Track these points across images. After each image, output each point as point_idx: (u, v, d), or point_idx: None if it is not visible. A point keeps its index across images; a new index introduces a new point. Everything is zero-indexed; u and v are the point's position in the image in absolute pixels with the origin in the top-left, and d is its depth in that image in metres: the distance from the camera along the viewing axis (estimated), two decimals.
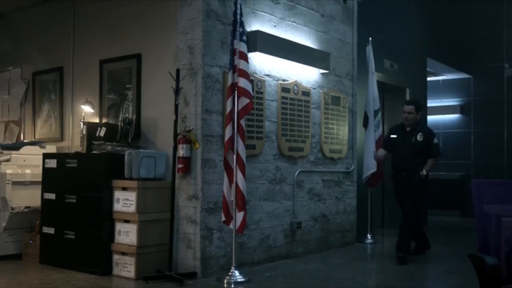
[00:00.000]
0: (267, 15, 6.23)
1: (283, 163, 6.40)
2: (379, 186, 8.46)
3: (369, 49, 7.88)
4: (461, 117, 12.48)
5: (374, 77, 7.92)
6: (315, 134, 6.94)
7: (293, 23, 6.63)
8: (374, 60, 7.91)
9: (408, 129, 6.54)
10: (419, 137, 6.41)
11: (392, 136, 6.73)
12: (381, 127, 8.03)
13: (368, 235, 7.91)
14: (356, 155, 7.71)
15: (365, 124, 7.90)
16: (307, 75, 6.84)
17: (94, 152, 5.75)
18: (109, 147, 5.66)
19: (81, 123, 6.17)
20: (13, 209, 6.20)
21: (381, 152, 6.92)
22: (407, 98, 9.75)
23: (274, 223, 6.23)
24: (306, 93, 6.78)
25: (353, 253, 7.03)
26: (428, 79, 11.31)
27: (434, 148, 6.44)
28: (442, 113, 12.49)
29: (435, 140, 6.48)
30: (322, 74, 7.08)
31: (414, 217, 6.48)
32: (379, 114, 7.96)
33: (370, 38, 7.84)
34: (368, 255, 7.12)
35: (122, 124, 5.84)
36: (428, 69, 11.03)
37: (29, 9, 7.52)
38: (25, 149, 6.51)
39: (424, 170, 6.31)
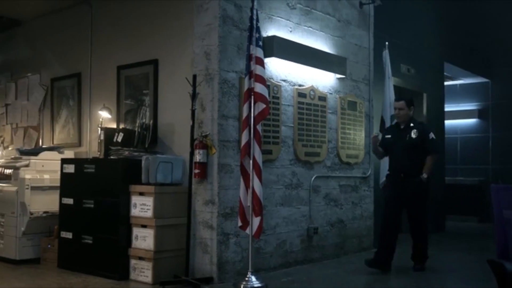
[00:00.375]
0: (283, 20, 6.24)
1: (300, 168, 6.39)
2: None
3: (386, 54, 7.84)
4: (479, 122, 12.37)
5: (390, 82, 7.87)
6: (332, 139, 6.93)
7: (309, 28, 6.63)
8: (390, 65, 7.86)
9: (402, 127, 6.17)
10: (413, 134, 6.02)
11: (386, 136, 6.34)
12: None
13: None
14: (372, 160, 7.67)
15: (382, 129, 7.85)
16: (323, 80, 6.83)
17: (111, 157, 5.79)
18: (126, 153, 5.70)
19: (99, 129, 6.22)
20: (32, 213, 6.26)
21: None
22: (425, 103, 9.72)
23: (291, 228, 6.22)
24: (323, 98, 6.77)
25: None
26: (446, 83, 11.23)
27: (431, 144, 6.03)
28: (460, 118, 12.39)
29: (431, 135, 6.06)
30: (339, 79, 7.07)
31: (425, 221, 6.20)
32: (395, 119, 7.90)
33: (387, 43, 7.80)
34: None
35: (139, 130, 5.87)
36: (445, 73, 10.95)
37: (48, 16, 7.61)
38: (43, 155, 6.58)
39: (424, 173, 5.93)
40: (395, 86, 8.16)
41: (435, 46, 10.23)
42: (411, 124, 6.10)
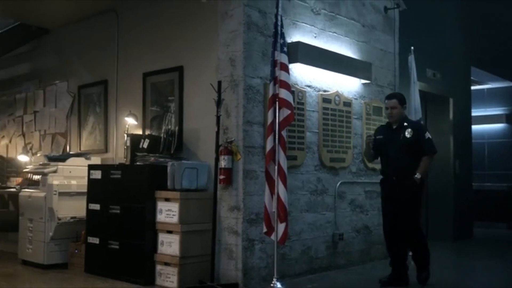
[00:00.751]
0: (308, 26, 6.23)
1: (325, 174, 6.36)
2: (422, 196, 8.30)
3: (411, 59, 7.76)
4: (506, 127, 12.19)
5: (416, 87, 7.79)
6: (357, 145, 6.89)
7: (334, 34, 6.62)
8: (416, 70, 7.79)
9: (394, 127, 5.64)
10: (407, 133, 5.49)
11: (378, 137, 5.75)
12: None
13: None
14: None
15: None
16: (348, 86, 6.80)
17: (137, 163, 5.84)
18: (152, 159, 5.74)
19: (125, 135, 6.28)
20: (59, 219, 6.34)
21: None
22: (451, 108, 9.60)
23: (316, 235, 6.20)
24: (348, 103, 6.74)
25: None
26: (472, 88, 11.09)
27: (427, 144, 5.50)
28: (487, 123, 12.23)
29: (427, 135, 5.54)
30: (364, 84, 7.03)
31: (418, 228, 5.58)
32: None
33: (412, 47, 7.73)
34: (412, 268, 6.98)
35: (165, 136, 5.92)
36: (472, 77, 10.82)
37: (75, 24, 7.73)
38: (71, 161, 6.66)
39: (417, 173, 5.38)
40: (420, 91, 8.08)
41: (461, 50, 10.12)
42: (405, 124, 5.60)
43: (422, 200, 5.70)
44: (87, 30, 7.57)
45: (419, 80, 8.06)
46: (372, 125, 7.12)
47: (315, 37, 6.32)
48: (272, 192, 5.12)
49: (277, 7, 5.24)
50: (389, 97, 5.78)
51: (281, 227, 5.09)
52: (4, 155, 8.91)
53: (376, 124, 7.17)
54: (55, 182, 6.35)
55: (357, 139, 6.89)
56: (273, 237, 5.15)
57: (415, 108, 7.72)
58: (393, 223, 5.56)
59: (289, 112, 5.13)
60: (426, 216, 9.30)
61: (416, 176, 5.39)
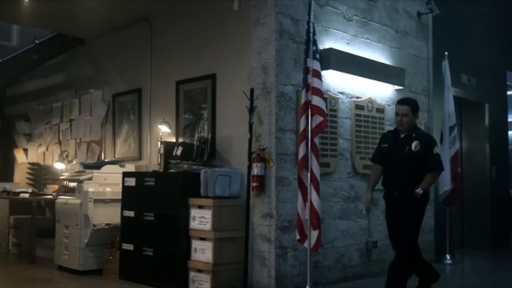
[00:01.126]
0: (340, 32, 6.22)
1: (358, 181, 6.32)
2: (458, 204, 8.17)
3: (445, 64, 7.68)
4: None
5: (450, 93, 7.71)
6: None
7: (367, 40, 6.58)
8: (450, 75, 7.70)
9: (402, 136, 5.12)
10: (414, 146, 4.97)
11: (383, 145, 5.29)
12: (457, 143, 7.77)
13: (447, 256, 7.63)
14: None
15: (441, 141, 7.68)
16: (381, 92, 6.75)
17: (171, 170, 5.89)
18: (186, 166, 5.79)
19: (159, 143, 6.35)
20: (94, 225, 6.43)
21: (367, 195, 5.37)
22: (487, 114, 9.41)
23: (349, 242, 6.15)
24: (381, 110, 6.68)
25: None
26: (509, 93, 10.86)
27: (433, 161, 4.99)
28: None
29: (436, 150, 5.03)
30: (397, 90, 6.97)
31: (408, 250, 5.03)
32: (455, 130, 7.70)
33: (446, 53, 7.65)
34: (447, 277, 6.87)
35: (198, 143, 5.96)
36: (508, 82, 10.60)
37: (109, 34, 7.86)
38: (106, 168, 6.75)
39: (419, 188, 4.88)
40: (455, 97, 7.98)
41: (496, 54, 9.93)
42: (413, 135, 5.06)
43: (421, 218, 5.11)
44: (121, 39, 7.69)
45: (454, 86, 7.96)
46: None
47: (348, 43, 6.29)
48: (305, 199, 5.10)
49: (309, 14, 5.24)
50: (401, 102, 5.24)
51: (314, 235, 5.07)
52: (41, 162, 9.09)
53: None
54: (91, 189, 6.45)
55: None
56: (306, 244, 5.13)
57: (449, 114, 7.63)
58: (395, 234, 5.14)
59: (321, 119, 5.12)
60: (461, 224, 9.14)
61: (417, 190, 4.89)
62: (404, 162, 5.01)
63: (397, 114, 5.15)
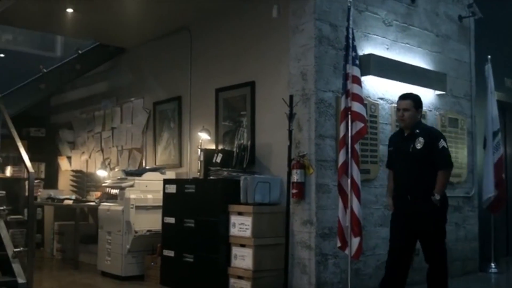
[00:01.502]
0: (380, 38, 6.17)
1: None
2: (502, 211, 7.98)
3: (488, 68, 7.52)
4: None
5: (493, 97, 7.54)
6: None
7: (407, 45, 6.51)
8: (493, 79, 7.54)
9: (405, 134, 4.80)
10: (418, 143, 4.62)
11: (389, 149, 5.02)
12: (501, 149, 7.58)
13: (492, 264, 7.45)
14: (476, 179, 7.35)
15: (485, 146, 7.53)
16: (422, 97, 6.59)
17: (211, 177, 5.93)
18: (225, 173, 5.82)
19: (198, 150, 6.40)
20: (136, 232, 6.52)
21: (388, 201, 5.07)
22: None
23: None
24: (422, 115, 6.58)
25: (476, 283, 6.66)
26: None
27: (441, 156, 4.60)
28: None
29: (442, 144, 4.61)
30: (438, 95, 6.86)
31: (443, 260, 4.76)
32: (499, 135, 7.53)
33: (489, 56, 7.49)
34: (492, 286, 6.71)
35: (237, 150, 5.99)
36: None
37: (149, 43, 7.99)
38: (147, 175, 6.85)
39: (435, 194, 4.53)
40: (498, 101, 7.80)
41: None
42: (416, 131, 4.72)
43: (445, 221, 4.79)
44: (161, 48, 7.80)
45: (497, 90, 7.79)
46: (447, 137, 6.90)
47: (387, 48, 6.24)
48: (345, 206, 5.06)
49: (348, 20, 5.20)
50: (402, 97, 4.93)
51: (355, 242, 5.02)
52: (84, 170, 9.28)
53: (452, 136, 6.97)
54: (132, 196, 6.54)
55: None
56: (347, 251, 5.08)
57: (492, 119, 7.46)
58: (402, 250, 4.78)
59: (362, 125, 5.07)
60: (507, 232, 8.91)
61: (434, 197, 4.54)
62: (411, 162, 4.68)
63: (398, 109, 4.87)
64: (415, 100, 4.85)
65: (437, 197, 4.56)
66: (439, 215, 4.69)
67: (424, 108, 6.59)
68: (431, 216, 4.62)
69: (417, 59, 6.60)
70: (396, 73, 6.15)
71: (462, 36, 7.40)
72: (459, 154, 7.11)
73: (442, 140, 4.67)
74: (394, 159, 4.94)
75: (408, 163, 4.71)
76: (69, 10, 6.83)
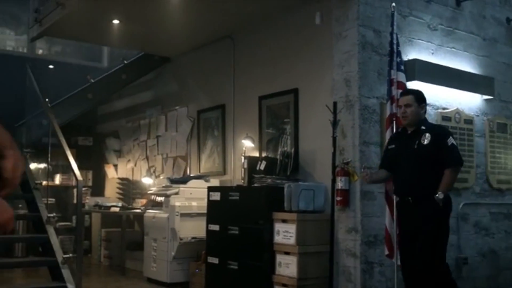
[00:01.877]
0: (424, 42, 6.08)
1: None
2: None
3: None
4: None
5: None
6: (480, 164, 6.55)
7: (452, 49, 6.39)
8: None
9: (409, 132, 4.51)
10: (424, 140, 4.31)
11: (390, 147, 4.67)
12: None
13: None
14: None
15: None
16: (469, 102, 6.52)
17: (255, 185, 5.95)
18: (269, 180, 5.82)
19: (242, 157, 6.43)
20: (181, 239, 6.59)
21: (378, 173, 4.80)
22: None
23: None
24: (469, 121, 6.45)
25: None
26: None
27: (450, 153, 4.28)
28: None
29: (451, 141, 4.30)
30: (486, 100, 6.70)
31: (442, 271, 4.38)
32: None
33: None
34: None
35: (281, 158, 5.99)
36: None
37: (193, 52, 8.09)
38: (191, 183, 6.92)
39: (439, 192, 4.18)
40: None
41: None
42: (422, 127, 4.43)
43: (447, 226, 4.45)
44: (205, 57, 7.89)
45: None
46: (496, 142, 6.76)
47: (432, 53, 6.14)
48: (392, 213, 4.99)
49: (392, 25, 5.16)
50: (403, 93, 4.69)
51: None
52: (130, 177, 9.45)
53: (500, 142, 6.80)
54: (177, 204, 6.62)
55: (480, 157, 6.55)
56: (395, 260, 5.00)
57: None
58: (411, 257, 4.42)
59: None
60: None
61: (437, 195, 4.18)
62: (415, 160, 4.35)
63: (399, 106, 4.56)
64: (417, 95, 4.57)
65: (441, 196, 4.18)
66: (441, 216, 4.30)
67: (471, 113, 6.48)
68: (432, 218, 4.25)
69: (464, 64, 6.47)
70: (442, 78, 6.05)
71: (510, 39, 7.22)
72: (508, 160, 6.92)
73: (451, 137, 4.38)
74: (395, 158, 4.55)
75: (412, 161, 4.38)
76: (115, 22, 6.99)
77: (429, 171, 4.29)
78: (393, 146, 4.64)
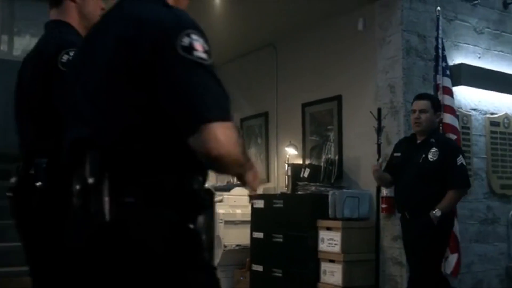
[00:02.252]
0: (471, 46, 5.96)
1: (495, 202, 5.96)
2: None
3: None
4: None
5: None
6: None
7: (500, 52, 6.25)
8: None
9: (419, 141, 4.25)
10: (431, 155, 4.05)
11: (395, 154, 4.45)
12: None
13: None
14: None
15: None
16: None
17: (299, 192, 5.93)
18: (313, 188, 5.80)
19: (286, 165, 6.43)
20: (225, 246, 6.61)
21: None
22: None
23: (488, 267, 5.79)
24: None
25: None
26: None
27: (457, 174, 4.04)
28: None
29: (460, 160, 4.04)
30: None
31: (435, 279, 4.20)
32: None
33: None
34: None
35: (325, 165, 5.96)
36: None
37: (236, 60, 8.12)
38: (235, 190, 6.93)
39: (437, 210, 3.96)
40: None
41: None
42: (431, 140, 4.16)
43: (444, 243, 4.28)
44: (248, 65, 7.93)
45: None
46: None
47: (479, 57, 6.01)
48: None
49: (437, 30, 5.10)
50: (419, 97, 4.38)
51: (452, 258, 4.85)
52: None
53: None
54: (221, 211, 6.64)
55: None
56: (445, 269, 4.90)
57: None
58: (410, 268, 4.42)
59: (454, 137, 4.92)
60: None
61: (434, 212, 3.96)
62: (418, 174, 4.10)
63: (413, 111, 4.26)
64: (434, 101, 4.34)
65: (438, 213, 3.95)
66: (436, 234, 4.07)
67: None
68: (425, 228, 4.04)
69: None
70: (489, 82, 5.92)
71: None
72: None
73: (461, 156, 4.12)
74: (399, 168, 4.34)
75: (414, 175, 4.15)
76: None
77: (430, 189, 4.07)
78: (398, 154, 4.42)
